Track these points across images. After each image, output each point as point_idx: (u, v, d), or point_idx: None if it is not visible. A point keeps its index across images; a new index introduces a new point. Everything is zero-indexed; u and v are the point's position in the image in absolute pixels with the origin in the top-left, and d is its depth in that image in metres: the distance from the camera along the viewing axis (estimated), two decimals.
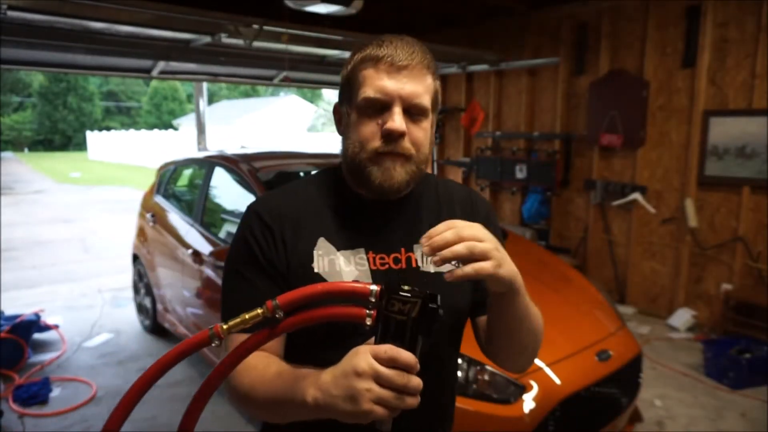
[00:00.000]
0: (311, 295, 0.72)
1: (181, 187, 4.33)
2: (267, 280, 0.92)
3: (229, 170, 3.42)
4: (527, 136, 5.85)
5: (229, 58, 5.07)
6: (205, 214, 3.55)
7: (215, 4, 4.25)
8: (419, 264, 0.95)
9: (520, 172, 5.86)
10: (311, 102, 33.88)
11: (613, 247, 5.20)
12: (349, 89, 0.94)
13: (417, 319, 0.69)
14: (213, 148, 5.83)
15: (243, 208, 3.05)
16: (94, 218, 10.82)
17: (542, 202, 5.64)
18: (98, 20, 3.58)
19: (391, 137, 0.88)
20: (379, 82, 0.88)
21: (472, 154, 6.56)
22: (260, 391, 0.83)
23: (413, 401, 0.69)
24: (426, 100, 0.90)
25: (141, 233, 4.44)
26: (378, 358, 0.68)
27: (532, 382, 2.14)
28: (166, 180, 4.37)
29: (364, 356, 0.69)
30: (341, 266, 0.92)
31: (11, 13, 3.19)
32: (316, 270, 0.92)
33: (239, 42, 4.08)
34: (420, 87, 0.89)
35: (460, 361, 2.12)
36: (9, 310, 4.38)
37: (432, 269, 0.95)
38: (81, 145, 37.94)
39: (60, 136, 40.54)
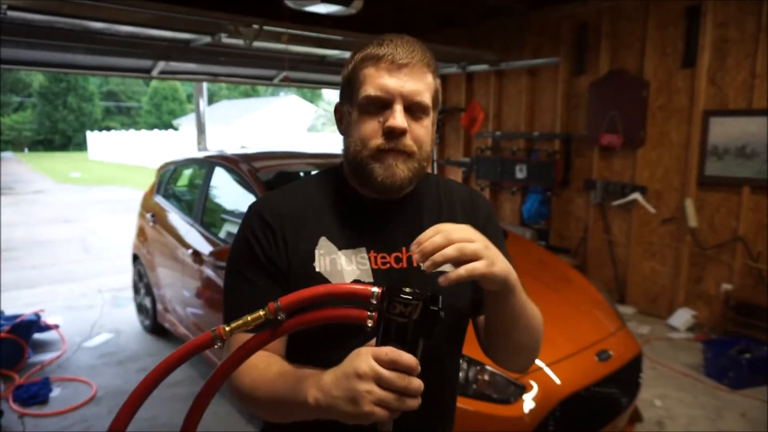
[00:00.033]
0: (313, 296, 0.73)
1: (181, 187, 4.33)
2: (268, 279, 0.92)
3: (229, 170, 3.42)
4: (527, 136, 5.85)
5: (229, 58, 5.07)
6: (205, 214, 3.55)
7: (215, 4, 4.25)
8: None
9: (520, 172, 5.86)
10: (311, 102, 33.88)
11: (613, 247, 5.20)
12: (350, 88, 0.94)
13: (418, 322, 0.69)
14: (213, 148, 5.83)
15: (243, 208, 3.03)
16: (94, 218, 10.82)
17: (542, 202, 5.64)
18: (98, 20, 3.58)
19: (393, 134, 0.88)
20: (380, 81, 0.88)
21: (472, 154, 6.56)
22: (262, 391, 0.83)
23: (414, 403, 0.69)
24: (427, 98, 0.91)
25: (141, 233, 4.44)
26: (379, 360, 0.68)
27: (532, 382, 2.14)
28: (166, 180, 4.37)
29: (365, 358, 0.69)
30: (342, 265, 0.92)
31: (11, 13, 3.19)
32: (317, 269, 0.92)
33: (239, 42, 4.09)
34: (421, 85, 0.90)
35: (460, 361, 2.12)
36: (9, 310, 4.38)
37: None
38: (81, 145, 37.94)
39: (60, 136, 40.54)
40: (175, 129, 31.61)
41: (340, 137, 0.99)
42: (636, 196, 4.84)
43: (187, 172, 4.31)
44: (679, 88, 4.61)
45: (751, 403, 3.31)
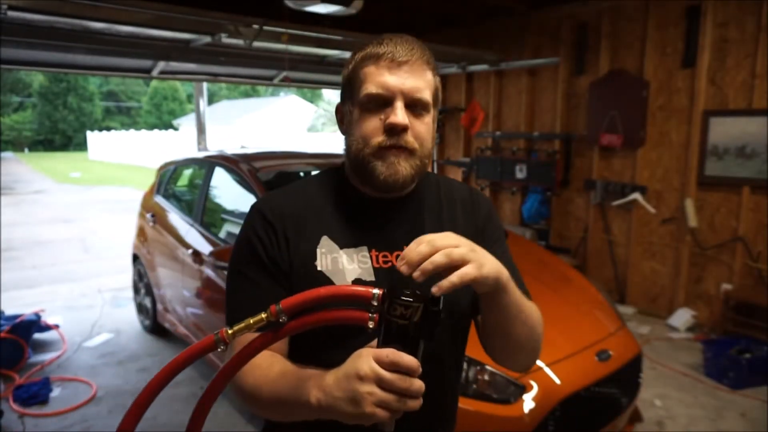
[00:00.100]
0: (314, 299, 0.73)
1: (181, 187, 4.33)
2: (270, 279, 0.92)
3: (229, 170, 3.42)
4: (527, 136, 5.85)
5: (229, 58, 5.07)
6: (205, 214, 3.55)
7: (215, 4, 4.26)
8: None
9: (520, 172, 5.86)
10: (311, 102, 33.88)
11: (613, 247, 5.20)
12: (350, 88, 0.94)
13: (419, 323, 0.69)
14: (213, 148, 5.83)
15: (243, 208, 3.03)
16: (94, 218, 10.82)
17: (542, 202, 5.64)
18: (98, 20, 3.58)
19: (394, 131, 0.88)
20: (380, 78, 0.89)
21: (472, 154, 6.56)
22: (264, 391, 0.84)
23: (415, 403, 0.70)
24: (427, 95, 0.91)
25: (141, 233, 4.44)
26: (380, 362, 0.68)
27: (532, 382, 2.14)
28: (166, 180, 4.37)
29: (366, 360, 0.69)
30: (344, 264, 0.92)
31: (11, 13, 3.19)
32: (319, 268, 0.92)
33: (239, 42, 4.09)
34: (421, 82, 0.90)
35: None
36: (9, 310, 4.38)
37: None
38: (81, 145, 37.96)
39: (60, 136, 40.54)
40: (175, 129, 31.61)
41: (341, 137, 0.99)
42: (636, 196, 4.84)
43: (187, 172, 4.31)
44: (679, 88, 4.61)
45: (751, 403, 3.31)
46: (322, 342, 0.90)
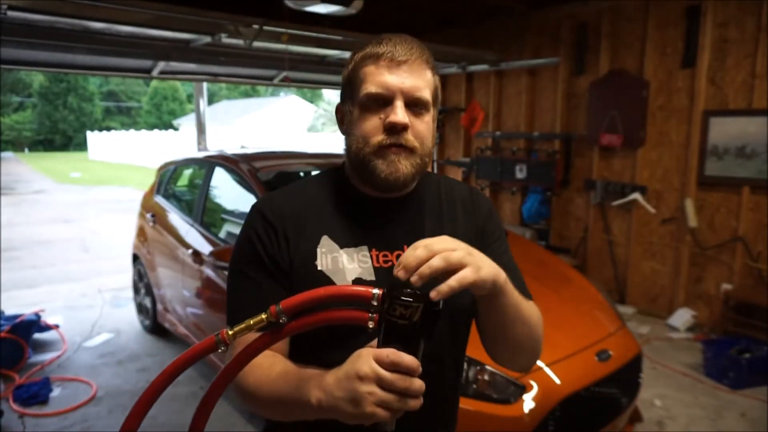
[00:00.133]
0: (314, 299, 0.73)
1: (181, 187, 4.33)
2: (271, 279, 0.92)
3: (229, 170, 3.42)
4: (527, 136, 5.85)
5: (229, 58, 5.07)
6: (205, 214, 3.55)
7: (215, 4, 4.26)
8: None
9: (520, 172, 5.86)
10: (311, 102, 33.88)
11: (613, 247, 5.20)
12: (350, 88, 0.95)
13: (419, 323, 0.69)
14: (213, 148, 5.83)
15: (243, 208, 3.03)
16: (94, 218, 10.83)
17: (542, 202, 5.64)
18: (98, 20, 3.58)
19: (395, 130, 0.89)
20: (380, 78, 0.89)
21: (472, 154, 6.56)
22: (265, 391, 0.84)
23: (416, 403, 0.70)
24: (427, 94, 0.91)
25: (141, 233, 4.44)
26: (380, 362, 0.69)
27: (532, 382, 2.14)
28: (166, 180, 4.37)
29: (366, 360, 0.70)
30: (344, 264, 0.92)
31: (11, 13, 3.19)
32: (319, 267, 0.92)
33: (239, 42, 4.09)
34: (420, 81, 0.90)
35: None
36: (9, 310, 4.38)
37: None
38: (81, 145, 37.97)
39: (60, 136, 40.56)
40: (175, 129, 31.61)
41: (341, 137, 1.00)
42: (636, 196, 4.84)
43: (187, 172, 4.31)
44: (679, 88, 4.61)
45: (751, 403, 3.31)
46: (323, 342, 0.90)
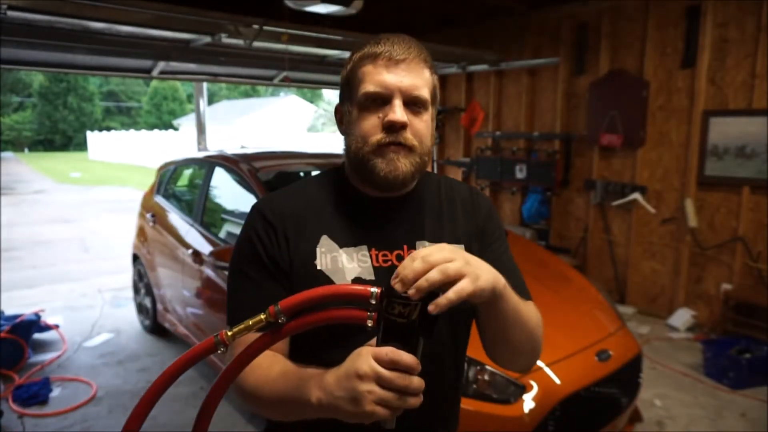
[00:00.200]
0: (312, 298, 0.73)
1: (181, 187, 4.33)
2: (271, 279, 0.93)
3: (229, 170, 3.42)
4: (527, 136, 5.85)
5: (229, 58, 5.07)
6: (205, 214, 3.55)
7: (215, 4, 4.26)
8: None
9: (520, 172, 5.86)
10: (311, 102, 33.88)
11: (613, 247, 5.20)
12: (349, 88, 0.95)
13: (417, 321, 0.69)
14: (213, 148, 5.83)
15: (243, 208, 3.02)
16: (94, 218, 10.83)
17: (542, 202, 5.64)
18: (98, 20, 3.58)
19: (393, 128, 0.89)
20: (378, 77, 0.89)
21: (472, 154, 6.56)
22: (265, 390, 0.84)
23: (415, 401, 0.70)
24: (425, 93, 0.91)
25: (141, 233, 4.44)
26: (379, 361, 0.69)
27: (532, 382, 2.14)
28: (166, 180, 4.37)
29: (365, 358, 0.70)
30: (344, 263, 0.93)
31: (11, 13, 3.19)
32: (318, 267, 0.92)
33: (239, 42, 4.09)
34: (418, 80, 0.91)
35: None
36: (9, 310, 4.38)
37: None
38: (81, 145, 37.98)
39: (60, 136, 40.57)
40: (175, 129, 31.61)
41: (341, 137, 1.00)
42: (636, 196, 4.84)
43: (187, 172, 4.31)
44: (679, 88, 4.61)
45: (751, 403, 3.31)
46: (322, 341, 0.90)
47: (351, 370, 0.70)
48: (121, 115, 45.88)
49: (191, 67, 5.41)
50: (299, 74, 5.86)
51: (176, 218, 3.86)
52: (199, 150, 7.21)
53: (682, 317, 4.53)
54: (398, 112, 0.88)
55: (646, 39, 4.75)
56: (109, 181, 18.99)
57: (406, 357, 0.68)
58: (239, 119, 28.39)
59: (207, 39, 4.08)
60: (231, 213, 3.41)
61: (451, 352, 1.01)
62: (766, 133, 4.07)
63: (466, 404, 2.07)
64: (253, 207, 1.00)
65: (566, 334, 2.45)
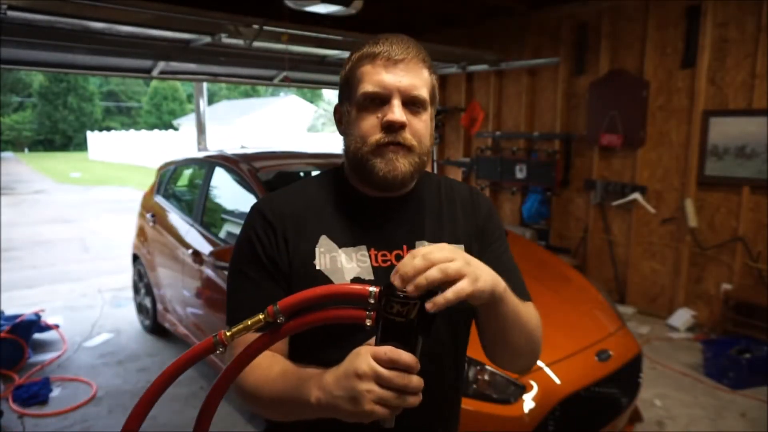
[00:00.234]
0: (311, 298, 0.73)
1: (181, 187, 4.33)
2: (270, 279, 0.93)
3: (229, 170, 3.42)
4: (527, 136, 5.85)
5: (229, 58, 5.07)
6: (205, 214, 3.55)
7: (215, 4, 4.26)
8: None
9: (520, 172, 5.86)
10: (311, 102, 33.89)
11: (613, 247, 5.20)
12: (348, 88, 0.95)
13: (416, 320, 0.69)
14: (213, 148, 5.83)
15: (243, 208, 3.03)
16: (94, 218, 10.83)
17: (542, 202, 5.64)
18: (98, 20, 3.58)
19: (392, 128, 0.89)
20: (377, 77, 0.89)
21: (472, 154, 6.56)
22: (265, 391, 0.84)
23: (415, 400, 0.70)
24: (424, 92, 0.91)
25: (141, 233, 4.44)
26: (378, 360, 0.69)
27: (532, 382, 2.14)
28: (166, 180, 4.37)
29: (364, 358, 0.70)
30: (343, 263, 0.93)
31: (11, 13, 3.19)
32: (317, 267, 0.92)
33: (239, 42, 4.09)
34: (417, 80, 0.91)
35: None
36: (9, 310, 4.38)
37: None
38: (81, 145, 37.98)
39: (60, 136, 40.57)
40: (175, 129, 31.61)
41: (341, 137, 1.00)
42: (636, 196, 4.85)
43: (187, 172, 4.31)
44: (679, 88, 4.61)
45: (751, 403, 3.31)
46: (321, 341, 0.90)
47: (350, 370, 0.70)
48: (121, 115, 45.87)
49: (191, 67, 5.41)
50: (299, 74, 5.86)
51: (176, 218, 3.86)
52: (199, 150, 7.22)
53: (682, 317, 4.53)
54: (397, 112, 0.88)
55: (646, 39, 4.75)
56: (109, 181, 18.99)
57: (405, 356, 0.68)
58: (239, 119, 28.39)
59: (207, 39, 4.08)
60: (231, 213, 3.41)
61: (450, 352, 1.00)
62: (766, 133, 4.07)
63: (466, 404, 2.07)
64: (253, 207, 1.00)
65: (566, 334, 2.45)
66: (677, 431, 3.01)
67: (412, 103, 0.90)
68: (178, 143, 22.14)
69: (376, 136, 0.90)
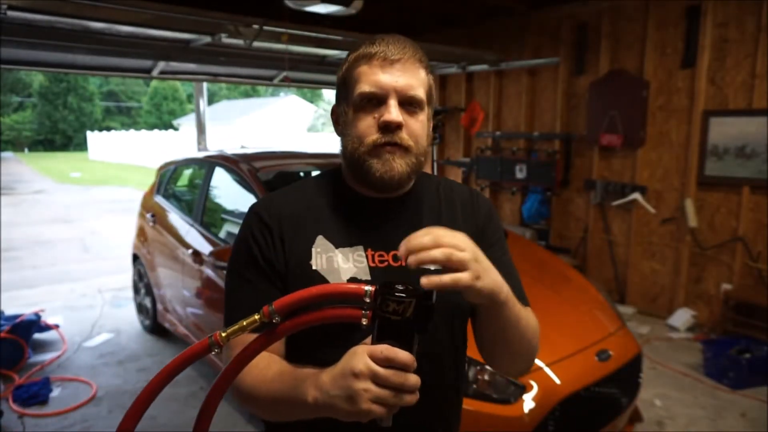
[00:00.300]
0: (306, 298, 0.73)
1: (181, 187, 4.33)
2: (266, 281, 0.93)
3: (229, 170, 3.42)
4: (527, 136, 5.85)
5: (229, 58, 5.07)
6: (205, 214, 3.55)
7: (215, 4, 4.26)
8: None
9: (520, 172, 5.86)
10: (311, 102, 33.91)
11: (613, 247, 5.20)
12: (345, 89, 0.95)
13: (412, 318, 0.69)
14: (213, 148, 5.83)
15: (243, 208, 3.02)
16: (94, 218, 10.83)
17: (542, 202, 5.64)
18: (98, 20, 3.58)
19: (389, 128, 0.89)
20: (373, 77, 0.89)
21: (472, 154, 6.55)
22: (262, 391, 0.84)
23: (412, 398, 0.70)
24: (421, 92, 0.91)
25: (141, 233, 4.44)
26: (374, 359, 0.69)
27: (532, 382, 2.14)
28: (166, 180, 4.37)
29: (361, 357, 0.70)
30: (339, 263, 0.93)
31: (11, 13, 3.19)
32: (314, 267, 0.92)
33: (239, 42, 4.09)
34: (414, 80, 0.90)
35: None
36: (9, 310, 4.38)
37: (432, 267, 0.95)
38: (81, 145, 37.98)
39: (60, 136, 40.56)
40: (175, 129, 31.62)
41: (339, 138, 1.00)
42: (636, 196, 4.84)
43: (187, 172, 4.31)
44: (679, 88, 4.61)
45: (751, 403, 3.31)
46: (318, 341, 0.90)
47: (346, 369, 0.70)
48: (121, 115, 45.87)
49: (191, 67, 5.41)
50: (299, 74, 5.87)
51: (176, 218, 3.86)
52: (199, 150, 7.22)
53: (682, 317, 4.53)
54: (393, 112, 0.88)
55: (646, 39, 4.75)
56: (109, 181, 18.99)
57: (401, 354, 0.68)
58: (239, 119, 28.40)
59: (207, 39, 4.09)
60: (231, 213, 3.41)
61: (450, 352, 1.00)
62: (766, 133, 4.07)
63: (466, 404, 2.06)
64: (250, 208, 1.00)
65: (566, 334, 2.45)
66: (677, 431, 3.01)
67: (408, 104, 0.90)
68: (178, 143, 22.15)
69: (373, 136, 0.90)
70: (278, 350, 0.92)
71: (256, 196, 2.97)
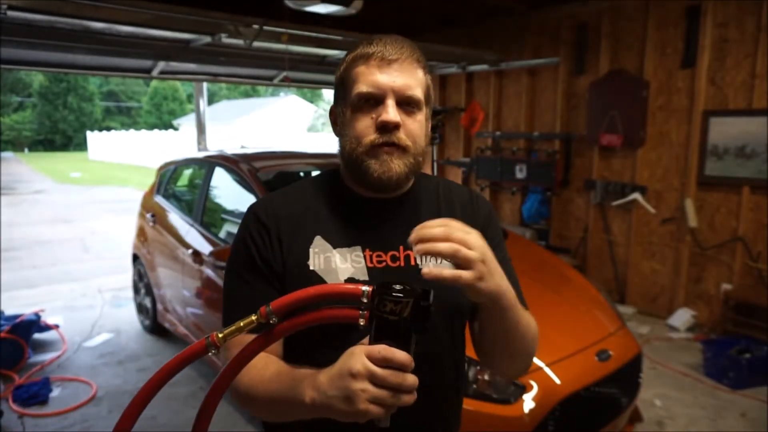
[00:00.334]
0: (304, 298, 0.73)
1: (181, 187, 4.34)
2: (264, 282, 0.93)
3: (229, 170, 3.42)
4: (527, 136, 5.85)
5: (229, 58, 5.07)
6: (205, 214, 3.55)
7: (215, 4, 4.26)
8: (418, 262, 0.94)
9: (520, 172, 5.86)
10: (311, 102, 33.91)
11: (613, 247, 5.20)
12: (343, 89, 0.95)
13: (409, 319, 0.69)
14: (213, 148, 5.83)
15: (243, 208, 3.03)
16: (94, 218, 10.83)
17: (542, 202, 5.64)
18: (98, 20, 3.58)
19: (386, 128, 0.89)
20: (371, 77, 0.89)
21: (472, 154, 6.55)
22: (260, 391, 0.84)
23: (409, 398, 0.70)
24: (418, 92, 0.91)
25: (141, 233, 4.44)
26: (372, 359, 0.69)
27: (532, 382, 2.14)
28: (166, 180, 4.37)
29: (358, 357, 0.69)
30: (337, 263, 0.92)
31: (11, 13, 3.19)
32: (311, 267, 0.92)
33: (239, 42, 4.09)
34: (411, 80, 0.90)
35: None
36: (9, 310, 4.38)
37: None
38: (81, 145, 37.98)
39: (60, 136, 40.57)
40: (175, 129, 31.62)
41: (337, 139, 1.00)
42: (636, 196, 4.84)
43: (187, 172, 4.31)
44: (679, 88, 4.61)
45: (751, 403, 3.31)
46: (315, 341, 0.90)
47: (344, 369, 0.70)
48: (121, 115, 45.87)
49: (191, 67, 5.41)
50: (299, 74, 5.87)
51: (176, 218, 3.86)
52: (199, 150, 7.22)
53: (682, 317, 4.53)
54: (391, 113, 0.88)
55: (646, 39, 4.75)
56: (109, 181, 18.99)
57: (398, 354, 0.68)
58: (239, 119, 28.40)
59: (207, 39, 4.08)
60: (231, 213, 3.41)
61: (450, 352, 1.00)
62: (766, 133, 4.07)
63: (466, 404, 2.06)
64: (249, 208, 1.00)
65: (566, 334, 2.45)
66: (677, 431, 3.01)
67: (406, 104, 0.90)
68: (178, 143, 22.14)
69: (371, 136, 0.90)
70: (276, 351, 0.92)
71: (256, 196, 2.97)
